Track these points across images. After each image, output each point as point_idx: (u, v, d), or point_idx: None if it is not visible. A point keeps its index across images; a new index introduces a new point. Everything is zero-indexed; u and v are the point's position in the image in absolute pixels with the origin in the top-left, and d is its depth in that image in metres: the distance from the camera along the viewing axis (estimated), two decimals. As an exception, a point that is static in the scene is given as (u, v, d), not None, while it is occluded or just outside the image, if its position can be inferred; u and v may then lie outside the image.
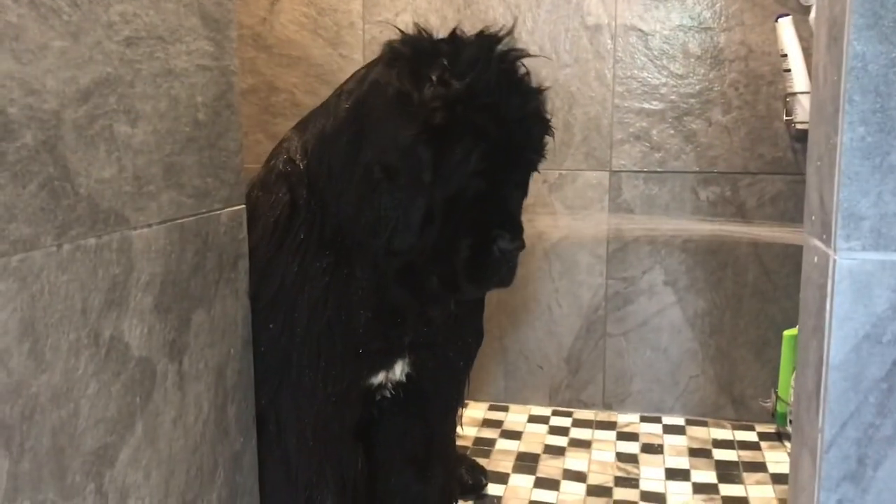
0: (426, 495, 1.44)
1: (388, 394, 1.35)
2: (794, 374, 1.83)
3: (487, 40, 1.17)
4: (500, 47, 1.17)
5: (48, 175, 0.76)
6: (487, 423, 2.04)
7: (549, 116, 1.23)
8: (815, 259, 0.93)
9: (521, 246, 1.18)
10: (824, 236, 0.89)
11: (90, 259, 0.82)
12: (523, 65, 1.19)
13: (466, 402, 1.61)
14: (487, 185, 1.15)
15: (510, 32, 1.19)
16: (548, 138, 1.24)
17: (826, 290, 0.87)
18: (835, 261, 0.85)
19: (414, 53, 1.15)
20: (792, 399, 1.83)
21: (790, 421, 1.85)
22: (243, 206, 1.14)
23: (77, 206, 0.80)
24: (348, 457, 1.31)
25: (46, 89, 0.76)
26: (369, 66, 1.22)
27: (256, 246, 1.19)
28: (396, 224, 1.13)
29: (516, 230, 1.18)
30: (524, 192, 1.26)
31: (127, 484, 0.89)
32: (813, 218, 0.96)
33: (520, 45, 1.20)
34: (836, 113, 0.85)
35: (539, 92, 1.20)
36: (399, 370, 1.32)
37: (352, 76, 1.26)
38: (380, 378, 1.30)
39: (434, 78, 1.10)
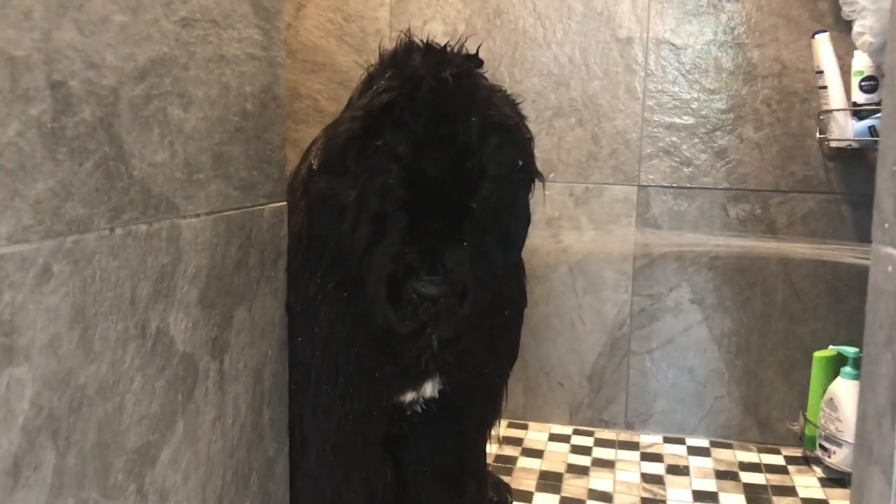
0: (458, 511, 1.39)
1: (419, 409, 1.31)
2: (824, 396, 1.79)
3: (433, 55, 1.09)
4: (445, 62, 1.08)
5: (104, 154, 0.72)
6: (507, 440, 1.99)
7: (474, 146, 1.04)
8: (890, 268, 0.89)
9: (443, 292, 1.02)
10: (902, 244, 0.86)
11: (140, 246, 0.78)
12: (477, 86, 1.07)
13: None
14: (411, 218, 1.04)
15: (463, 46, 1.11)
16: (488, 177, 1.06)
17: (905, 300, 0.83)
18: (916, 268, 0.82)
19: (383, 61, 1.13)
20: (822, 421, 1.78)
21: (820, 445, 1.80)
22: (285, 202, 1.11)
23: (130, 190, 0.76)
24: (377, 469, 1.27)
25: (106, 64, 0.72)
26: None
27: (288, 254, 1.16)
28: (340, 244, 1.08)
29: (434, 270, 1.02)
30: (484, 235, 1.10)
31: (167, 486, 0.85)
32: (886, 226, 0.92)
33: (478, 58, 1.13)
34: (920, 114, 0.82)
35: (467, 117, 1.04)
36: (430, 388, 1.26)
37: None
38: (409, 396, 1.26)
39: (377, 88, 1.06)
